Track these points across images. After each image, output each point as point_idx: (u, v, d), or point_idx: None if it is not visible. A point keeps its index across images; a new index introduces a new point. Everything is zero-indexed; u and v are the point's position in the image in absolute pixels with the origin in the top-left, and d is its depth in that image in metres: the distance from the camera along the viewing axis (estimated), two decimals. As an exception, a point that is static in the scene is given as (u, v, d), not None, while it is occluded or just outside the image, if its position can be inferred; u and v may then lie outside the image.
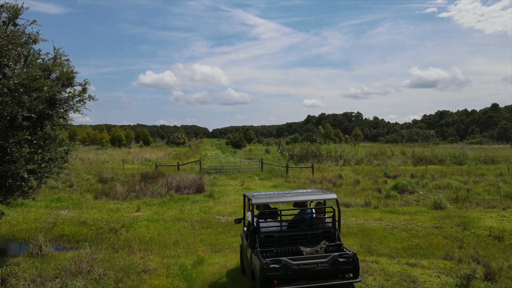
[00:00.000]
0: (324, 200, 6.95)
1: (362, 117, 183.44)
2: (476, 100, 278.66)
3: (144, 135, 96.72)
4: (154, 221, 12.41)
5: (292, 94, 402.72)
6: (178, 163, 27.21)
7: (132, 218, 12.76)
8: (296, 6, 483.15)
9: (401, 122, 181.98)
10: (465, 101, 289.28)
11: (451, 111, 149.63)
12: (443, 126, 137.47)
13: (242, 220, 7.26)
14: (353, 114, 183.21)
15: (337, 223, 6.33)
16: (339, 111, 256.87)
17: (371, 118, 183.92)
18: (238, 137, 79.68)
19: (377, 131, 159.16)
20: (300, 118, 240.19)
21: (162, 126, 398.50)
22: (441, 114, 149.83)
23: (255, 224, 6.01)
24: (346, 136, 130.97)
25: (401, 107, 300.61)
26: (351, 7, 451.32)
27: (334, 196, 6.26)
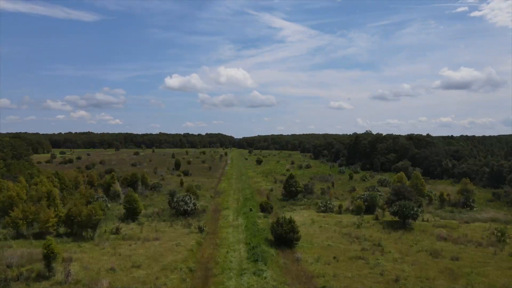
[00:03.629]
0: None
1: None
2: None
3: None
4: None
5: (318, 96, 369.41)
6: None
7: None
8: (322, 8, 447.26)
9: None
10: (502, 102, 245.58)
11: None
12: None
13: None
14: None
15: None
16: (367, 112, 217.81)
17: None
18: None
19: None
20: (341, 130, 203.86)
21: (186, 135, 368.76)
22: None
23: None
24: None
25: (433, 108, 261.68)
26: (379, 8, 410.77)
27: None
